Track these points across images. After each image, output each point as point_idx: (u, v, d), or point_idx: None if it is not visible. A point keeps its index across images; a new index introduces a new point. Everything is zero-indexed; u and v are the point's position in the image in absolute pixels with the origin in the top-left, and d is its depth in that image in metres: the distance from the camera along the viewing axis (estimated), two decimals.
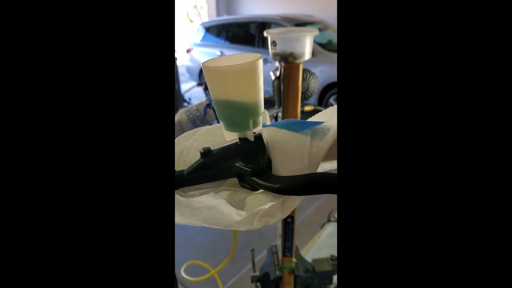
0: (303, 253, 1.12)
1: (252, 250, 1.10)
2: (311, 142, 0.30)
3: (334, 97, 3.55)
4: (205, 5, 7.29)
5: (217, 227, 0.33)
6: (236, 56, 0.28)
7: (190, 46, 4.88)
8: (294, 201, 0.32)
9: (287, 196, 0.31)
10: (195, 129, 0.35)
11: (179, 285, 0.91)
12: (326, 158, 0.31)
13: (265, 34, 0.76)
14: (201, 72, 4.82)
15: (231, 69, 0.26)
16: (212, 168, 0.31)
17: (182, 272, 1.00)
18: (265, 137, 0.31)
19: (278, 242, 0.96)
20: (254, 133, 0.31)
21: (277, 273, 0.93)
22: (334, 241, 1.57)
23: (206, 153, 0.30)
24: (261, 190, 0.31)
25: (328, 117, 0.33)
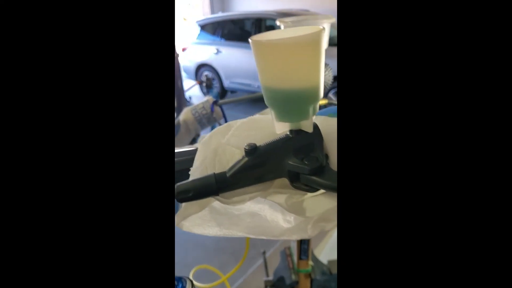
0: (315, 253, 1.08)
1: (264, 252, 1.06)
2: None
3: (333, 91, 3.50)
4: (199, 2, 7.21)
5: (265, 238, 0.28)
6: (288, 30, 0.23)
7: (186, 45, 4.80)
8: None
9: None
10: (227, 123, 0.29)
11: None
12: None
13: (277, 23, 0.71)
14: (197, 70, 4.75)
15: (290, 42, 0.21)
16: (261, 167, 0.25)
17: (191, 278, 0.95)
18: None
19: (293, 244, 0.92)
20: None
21: (293, 277, 0.88)
22: None
23: (252, 150, 0.25)
24: (320, 191, 0.26)
25: None
